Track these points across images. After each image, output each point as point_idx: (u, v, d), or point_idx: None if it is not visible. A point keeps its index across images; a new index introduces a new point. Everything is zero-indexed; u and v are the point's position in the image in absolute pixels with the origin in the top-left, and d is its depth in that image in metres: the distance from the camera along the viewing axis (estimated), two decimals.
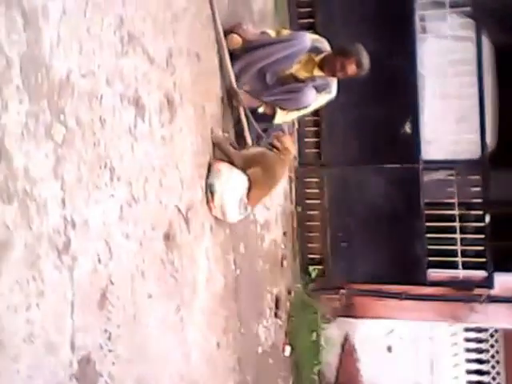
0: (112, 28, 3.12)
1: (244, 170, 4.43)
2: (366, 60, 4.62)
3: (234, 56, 4.71)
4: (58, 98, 2.64)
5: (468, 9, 6.17)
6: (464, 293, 6.22)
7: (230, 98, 4.70)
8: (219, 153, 4.46)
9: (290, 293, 6.14)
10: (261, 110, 4.85)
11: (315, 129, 6.41)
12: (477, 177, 6.13)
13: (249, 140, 4.77)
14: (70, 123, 2.72)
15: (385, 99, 6.03)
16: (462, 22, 6.23)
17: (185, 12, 4.02)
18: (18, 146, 2.38)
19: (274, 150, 4.60)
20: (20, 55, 2.42)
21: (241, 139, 4.79)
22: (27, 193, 2.41)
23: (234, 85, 4.64)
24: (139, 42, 3.37)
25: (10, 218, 2.31)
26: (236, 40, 4.79)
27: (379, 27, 6.11)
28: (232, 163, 4.42)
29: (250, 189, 4.42)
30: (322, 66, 4.76)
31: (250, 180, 4.41)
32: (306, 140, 6.48)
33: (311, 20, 6.41)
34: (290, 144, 4.71)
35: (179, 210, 3.80)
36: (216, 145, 4.43)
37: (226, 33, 4.72)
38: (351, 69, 4.63)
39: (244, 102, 4.68)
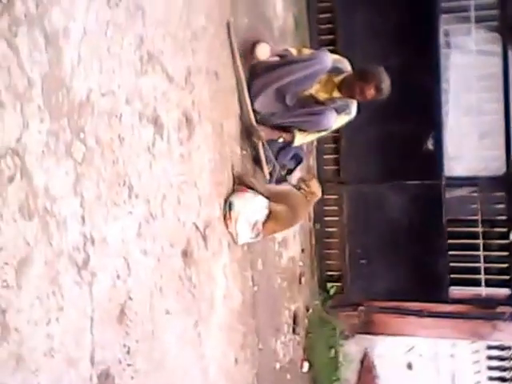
0: (132, 47, 3.18)
1: (268, 199, 4.52)
2: (386, 85, 4.58)
3: (253, 75, 4.78)
4: (78, 117, 2.70)
5: (494, 23, 6.21)
6: (487, 311, 6.22)
7: (249, 134, 4.76)
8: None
9: (308, 309, 6.17)
10: (280, 140, 4.92)
11: (334, 145, 6.46)
12: (501, 193, 6.15)
13: (267, 175, 4.84)
14: (90, 141, 2.78)
15: (407, 115, 6.05)
16: (488, 36, 6.24)
17: (204, 31, 4.08)
18: (39, 164, 2.43)
19: (301, 190, 4.68)
20: (41, 75, 2.47)
21: (259, 157, 4.88)
22: (47, 210, 2.47)
23: (254, 122, 4.70)
24: (158, 61, 3.43)
25: (30, 235, 2.37)
26: (264, 49, 4.86)
27: (402, 42, 6.14)
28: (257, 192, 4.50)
29: (267, 219, 4.48)
30: (341, 87, 4.76)
31: (270, 212, 4.48)
32: (325, 157, 6.53)
33: (332, 36, 6.47)
34: (317, 188, 4.77)
35: (197, 227, 3.85)
36: (239, 180, 4.51)
37: (247, 50, 4.80)
38: (370, 93, 4.61)
39: (263, 138, 4.75)
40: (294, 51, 4.92)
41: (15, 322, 2.29)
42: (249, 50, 4.88)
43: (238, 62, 4.58)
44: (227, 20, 4.46)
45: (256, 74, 4.79)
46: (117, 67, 3.04)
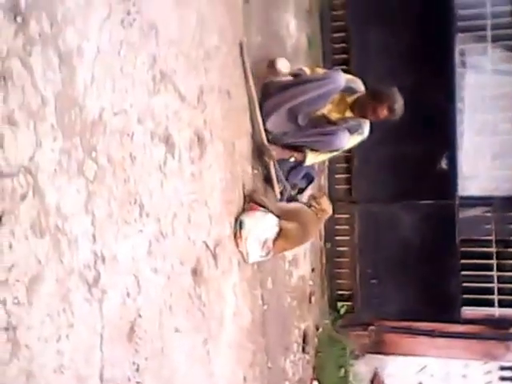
0: (145, 67, 3.21)
1: (279, 217, 4.54)
2: (398, 105, 4.56)
3: (266, 94, 4.82)
4: (90, 136, 2.73)
5: (511, 42, 6.23)
6: (500, 331, 6.20)
7: (260, 153, 4.79)
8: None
9: (317, 328, 6.16)
10: (292, 159, 4.95)
11: (346, 165, 6.47)
12: None
13: (277, 194, 4.88)
14: (102, 160, 2.81)
15: (421, 134, 6.05)
16: (504, 55, 6.26)
17: (217, 50, 4.12)
18: (51, 183, 2.46)
19: (312, 208, 4.70)
20: (55, 94, 2.50)
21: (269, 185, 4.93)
22: (59, 228, 2.50)
23: (265, 141, 4.73)
24: (171, 80, 3.46)
25: (42, 253, 2.40)
26: (285, 63, 4.90)
27: (417, 62, 6.17)
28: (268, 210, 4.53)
29: (278, 237, 4.50)
30: (353, 107, 4.75)
31: (281, 229, 4.50)
32: (337, 176, 6.54)
33: (345, 56, 6.49)
34: (327, 205, 4.79)
35: (207, 245, 3.88)
36: (249, 198, 4.54)
37: (263, 67, 4.85)
38: (383, 113, 4.60)
39: (275, 157, 4.78)
40: (307, 70, 4.92)
41: (26, 338, 2.32)
42: (268, 65, 4.91)
43: (251, 82, 4.61)
44: (240, 40, 4.49)
45: (268, 94, 4.82)
46: (129, 86, 3.07)
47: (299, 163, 5.01)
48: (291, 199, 4.99)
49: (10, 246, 2.25)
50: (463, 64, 6.34)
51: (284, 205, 4.84)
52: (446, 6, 6.14)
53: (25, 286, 2.32)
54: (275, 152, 4.79)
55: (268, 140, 4.76)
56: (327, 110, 4.79)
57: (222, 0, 4.29)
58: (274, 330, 5.03)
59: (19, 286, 2.29)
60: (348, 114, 4.79)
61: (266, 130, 4.76)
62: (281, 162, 4.85)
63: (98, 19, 2.83)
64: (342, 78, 4.67)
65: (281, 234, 4.52)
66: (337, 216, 6.38)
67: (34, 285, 2.37)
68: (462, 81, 6.25)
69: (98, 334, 2.79)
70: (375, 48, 6.42)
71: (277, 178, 4.86)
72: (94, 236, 2.75)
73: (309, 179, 5.27)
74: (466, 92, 6.27)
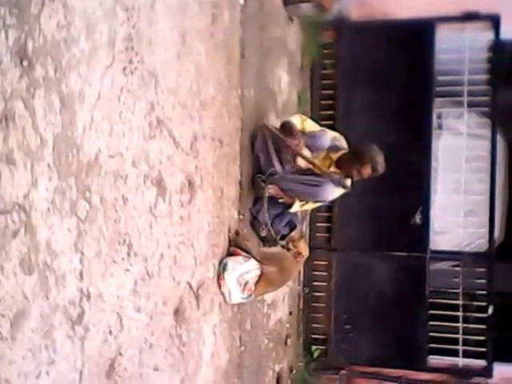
0: (143, 113, 3.18)
1: (260, 262, 4.49)
2: (381, 164, 4.59)
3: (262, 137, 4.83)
4: (85, 177, 2.68)
5: (485, 109, 6.26)
6: (462, 381, 6.12)
7: (256, 186, 4.83)
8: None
9: (291, 370, 6.04)
10: (281, 200, 4.90)
11: (327, 214, 6.43)
12: (482, 269, 6.12)
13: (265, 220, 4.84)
14: (94, 200, 2.76)
15: (398, 190, 6.03)
16: (479, 120, 6.29)
17: (212, 100, 4.10)
18: (44, 221, 2.40)
19: (290, 251, 4.69)
20: (54, 135, 2.46)
21: (255, 221, 4.88)
22: (47, 265, 2.43)
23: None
24: (167, 127, 3.42)
25: (28, 289, 2.32)
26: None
27: (397, 122, 6.20)
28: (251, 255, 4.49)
29: (259, 280, 4.45)
30: (338, 163, 4.77)
31: (262, 273, 4.45)
32: (318, 224, 6.50)
33: (332, 112, 6.50)
34: (304, 248, 4.79)
35: (191, 286, 3.79)
36: (234, 242, 4.50)
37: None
38: (366, 172, 4.63)
39: (270, 192, 4.78)
40: (298, 123, 4.86)
41: (6, 373, 2.23)
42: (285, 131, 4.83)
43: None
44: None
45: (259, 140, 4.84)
46: (126, 131, 3.03)
47: (284, 210, 4.97)
48: (273, 244, 4.94)
49: None
50: (440, 126, 6.36)
51: (265, 250, 4.83)
52: (426, 73, 6.18)
53: (9, 321, 2.24)
54: (272, 190, 4.77)
55: (263, 180, 4.77)
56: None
57: (221, 54, 4.28)
58: (250, 372, 4.89)
59: (4, 321, 2.21)
60: (333, 169, 4.78)
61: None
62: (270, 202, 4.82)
63: (101, 66, 2.80)
64: (328, 138, 4.74)
65: (262, 277, 4.46)
66: (316, 262, 6.38)
67: (19, 320, 2.29)
68: (438, 142, 6.26)
69: (78, 371, 2.69)
70: (360, 107, 6.44)
71: (263, 220, 4.84)
72: (81, 274, 2.67)
73: (291, 226, 5.21)
74: (441, 152, 6.28)
